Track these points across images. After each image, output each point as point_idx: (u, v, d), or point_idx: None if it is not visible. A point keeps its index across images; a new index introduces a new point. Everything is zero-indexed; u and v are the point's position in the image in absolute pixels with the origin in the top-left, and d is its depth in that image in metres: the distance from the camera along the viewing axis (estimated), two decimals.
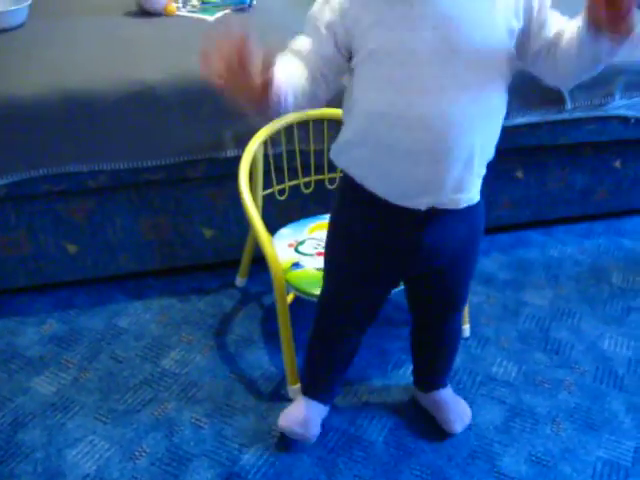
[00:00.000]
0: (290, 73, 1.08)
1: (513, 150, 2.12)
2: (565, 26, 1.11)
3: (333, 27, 1.09)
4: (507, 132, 2.01)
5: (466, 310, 1.81)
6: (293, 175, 1.80)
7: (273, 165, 1.75)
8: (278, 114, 1.09)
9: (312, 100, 1.14)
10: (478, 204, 1.30)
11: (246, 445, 1.53)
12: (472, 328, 1.87)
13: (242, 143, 1.71)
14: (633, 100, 2.11)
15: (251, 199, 1.59)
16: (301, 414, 1.51)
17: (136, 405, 1.62)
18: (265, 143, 1.70)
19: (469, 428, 1.58)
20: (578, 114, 2.08)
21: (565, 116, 2.06)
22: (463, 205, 1.23)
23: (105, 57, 1.81)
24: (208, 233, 1.98)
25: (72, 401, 1.63)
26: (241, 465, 1.48)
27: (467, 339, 1.83)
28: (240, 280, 2.02)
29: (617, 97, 2.09)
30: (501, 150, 2.07)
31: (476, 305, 1.96)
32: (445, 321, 1.47)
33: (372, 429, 1.58)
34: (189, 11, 2.06)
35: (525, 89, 1.98)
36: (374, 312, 1.43)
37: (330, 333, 1.47)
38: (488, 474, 1.48)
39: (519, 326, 1.91)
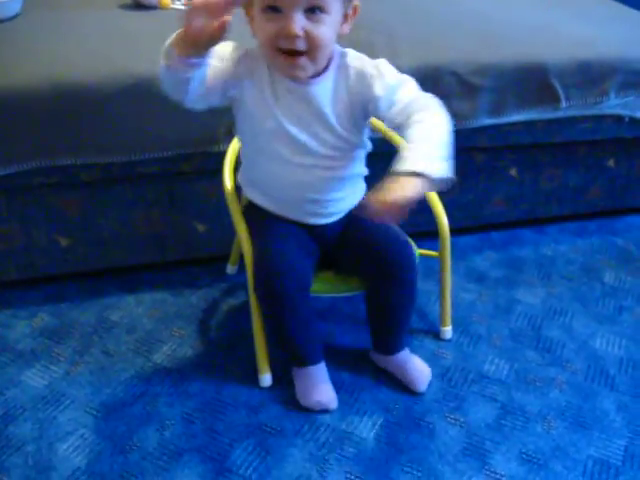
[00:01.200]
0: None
1: (507, 148, 2.12)
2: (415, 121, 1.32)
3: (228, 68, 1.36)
4: (502, 129, 2.05)
5: (448, 312, 1.82)
6: None
7: None
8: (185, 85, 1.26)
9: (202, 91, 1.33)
10: None
11: (237, 440, 1.52)
12: (465, 325, 1.87)
13: (234, 137, 1.71)
14: (627, 99, 2.12)
15: (233, 193, 1.62)
16: (311, 385, 1.60)
17: (128, 399, 1.61)
18: None
19: (461, 425, 1.58)
20: (573, 112, 2.09)
21: (560, 114, 2.07)
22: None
23: (99, 50, 1.80)
24: (201, 227, 1.98)
25: (63, 394, 1.62)
26: (232, 460, 1.48)
27: (458, 337, 1.84)
28: (231, 268, 2.02)
29: (612, 96, 2.09)
30: (495, 148, 2.11)
31: (468, 303, 1.96)
32: (397, 281, 1.53)
33: (363, 425, 1.58)
34: (183, 4, 2.05)
35: (520, 87, 1.99)
36: (307, 259, 1.53)
37: (279, 300, 1.48)
38: (479, 471, 1.48)
39: (511, 324, 1.91)
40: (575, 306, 1.99)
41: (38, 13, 1.95)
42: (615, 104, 2.12)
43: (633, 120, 2.17)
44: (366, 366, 1.74)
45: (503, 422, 1.60)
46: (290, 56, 1.28)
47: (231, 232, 1.91)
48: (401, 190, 1.17)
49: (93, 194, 1.86)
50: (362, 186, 1.59)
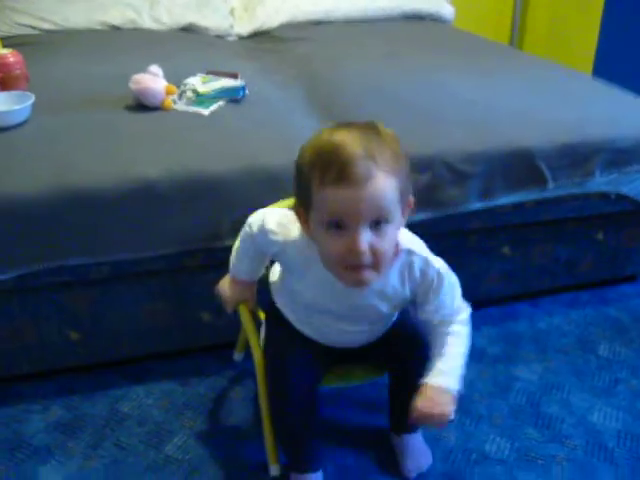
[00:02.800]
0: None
1: (499, 228, 2.20)
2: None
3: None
4: (492, 212, 2.13)
5: None
6: None
7: None
8: None
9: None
10: None
11: None
12: (466, 405, 1.93)
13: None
14: (612, 177, 2.21)
15: None
16: None
17: None
18: None
19: None
20: (560, 192, 2.17)
21: (547, 194, 2.16)
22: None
23: (106, 153, 1.88)
24: (206, 316, 2.04)
25: None
26: None
27: (460, 417, 1.89)
28: (238, 355, 2.07)
29: (597, 175, 2.18)
30: (487, 229, 2.19)
31: (468, 381, 2.01)
32: (415, 370, 1.52)
33: None
34: (185, 104, 2.15)
35: (508, 171, 2.08)
36: (320, 369, 1.59)
37: (285, 400, 1.53)
38: None
39: (510, 401, 1.96)
40: (571, 380, 2.05)
41: (46, 118, 2.04)
42: (600, 182, 2.20)
43: (618, 196, 2.26)
44: (371, 451, 1.79)
45: None
46: (356, 270, 1.28)
47: (236, 320, 1.98)
48: (446, 406, 1.38)
49: (101, 290, 1.92)
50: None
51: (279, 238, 1.44)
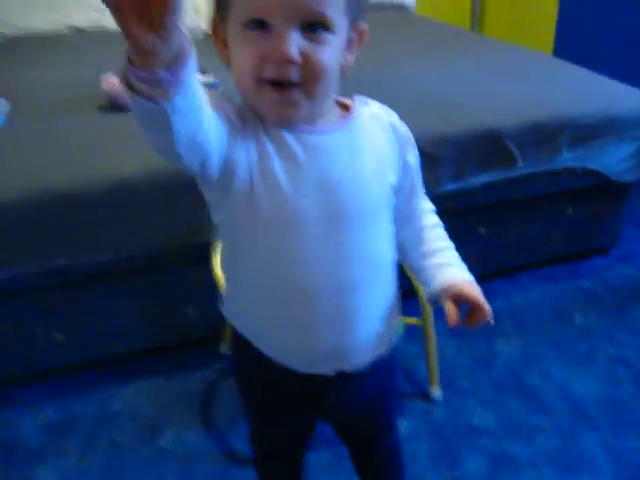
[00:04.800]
0: None
1: (473, 208, 2.25)
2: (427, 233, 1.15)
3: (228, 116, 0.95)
4: (466, 193, 2.18)
5: (435, 372, 1.92)
6: None
7: None
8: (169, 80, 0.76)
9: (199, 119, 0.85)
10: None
11: None
12: (450, 381, 1.98)
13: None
14: (578, 152, 2.28)
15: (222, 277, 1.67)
16: None
17: None
18: None
19: None
20: (529, 170, 2.23)
21: (517, 173, 2.21)
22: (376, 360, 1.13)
23: (82, 154, 1.89)
24: (191, 312, 2.07)
25: None
26: None
27: (446, 394, 1.94)
28: (225, 347, 2.10)
29: (564, 151, 2.24)
30: (462, 209, 2.24)
31: (450, 359, 2.07)
32: (376, 449, 1.38)
33: None
34: None
35: (478, 152, 2.13)
36: (301, 441, 1.34)
37: (266, 468, 1.42)
38: None
39: (493, 376, 2.02)
40: (550, 352, 2.11)
41: (22, 123, 2.05)
42: (567, 158, 2.27)
43: (585, 171, 2.32)
44: None
45: (496, 473, 1.71)
46: (280, 88, 0.92)
47: (219, 312, 2.01)
48: (477, 292, 1.09)
49: (85, 291, 1.94)
50: (397, 310, 1.18)
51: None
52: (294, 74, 0.91)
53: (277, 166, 0.96)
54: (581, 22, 3.65)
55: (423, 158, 2.04)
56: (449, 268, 1.11)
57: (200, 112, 0.84)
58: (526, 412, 1.89)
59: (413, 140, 1.10)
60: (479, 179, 2.16)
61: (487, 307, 1.07)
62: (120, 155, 1.89)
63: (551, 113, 2.21)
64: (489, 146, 2.14)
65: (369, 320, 1.08)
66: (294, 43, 0.89)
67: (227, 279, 1.14)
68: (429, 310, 1.81)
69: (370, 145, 1.04)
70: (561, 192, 2.37)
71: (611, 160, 2.35)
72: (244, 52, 0.92)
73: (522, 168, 2.21)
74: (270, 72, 0.91)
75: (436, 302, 1.11)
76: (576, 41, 3.67)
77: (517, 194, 2.28)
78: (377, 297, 1.09)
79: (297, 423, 1.26)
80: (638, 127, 2.33)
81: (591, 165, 2.32)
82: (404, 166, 1.09)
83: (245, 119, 0.96)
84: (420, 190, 1.15)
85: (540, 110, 2.22)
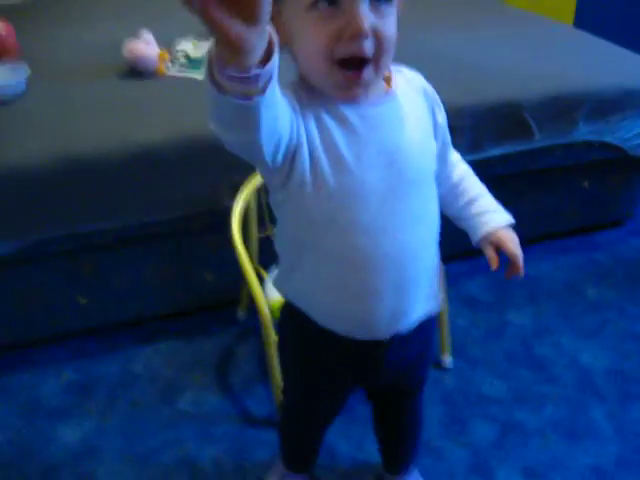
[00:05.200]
0: None
1: (489, 179, 2.25)
2: (462, 181, 1.25)
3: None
4: (482, 164, 2.19)
5: (447, 340, 1.95)
6: None
7: (267, 208, 1.87)
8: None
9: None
10: None
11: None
12: (462, 350, 2.02)
13: (237, 193, 1.83)
14: (595, 126, 2.28)
15: (241, 245, 1.68)
16: None
17: (159, 447, 1.75)
18: (259, 190, 1.81)
19: (467, 446, 1.73)
20: (546, 142, 2.24)
21: (534, 145, 2.23)
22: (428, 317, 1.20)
23: (104, 120, 1.93)
24: (209, 276, 2.11)
25: (97, 448, 1.75)
26: None
27: (457, 362, 1.98)
28: (241, 313, 2.15)
29: (581, 125, 2.25)
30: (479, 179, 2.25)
31: (463, 328, 2.11)
32: (405, 407, 1.46)
33: None
34: (178, 69, 2.19)
35: (496, 124, 2.14)
36: (338, 409, 1.39)
37: (297, 432, 1.49)
38: None
39: (504, 346, 2.06)
40: (562, 323, 2.15)
41: (42, 89, 2.08)
42: (584, 131, 2.28)
43: (602, 144, 2.33)
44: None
45: (505, 440, 1.75)
46: (352, 65, 0.93)
47: (238, 278, 2.06)
48: (515, 243, 1.20)
49: (107, 255, 1.99)
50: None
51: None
52: (368, 49, 0.91)
53: (339, 140, 0.98)
54: None
55: None
56: (488, 215, 1.21)
57: (280, 99, 0.84)
58: (535, 381, 1.93)
59: (439, 99, 1.14)
60: (496, 150, 2.18)
61: (521, 263, 1.18)
62: (141, 121, 1.92)
63: (569, 86, 2.22)
64: (506, 118, 2.15)
65: (424, 281, 1.13)
66: (367, 17, 0.89)
67: (285, 257, 1.15)
68: (442, 279, 1.84)
69: (413, 112, 1.07)
70: (577, 165, 2.38)
71: (628, 134, 2.35)
72: (315, 31, 0.90)
73: (539, 141, 2.22)
74: (345, 50, 0.90)
75: (481, 247, 1.21)
76: (597, 11, 3.64)
77: (533, 166, 2.30)
78: (430, 258, 1.15)
79: (346, 391, 1.32)
80: None
81: (608, 139, 2.32)
82: (436, 127, 1.13)
83: (300, 97, 0.97)
84: (450, 146, 1.21)
85: (558, 83, 2.23)
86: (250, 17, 0.65)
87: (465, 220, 1.24)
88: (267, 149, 0.88)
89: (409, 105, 1.06)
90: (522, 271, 1.19)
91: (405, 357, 1.22)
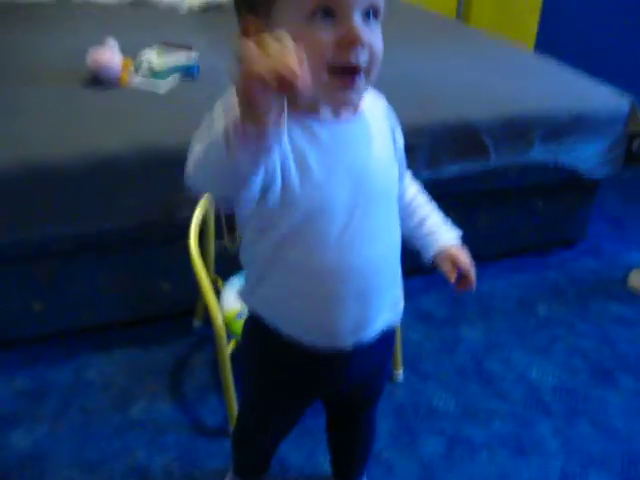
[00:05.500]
0: None
1: (445, 196, 2.30)
2: (415, 202, 1.31)
3: None
4: (439, 181, 2.23)
5: (399, 355, 1.98)
6: None
7: (225, 219, 1.88)
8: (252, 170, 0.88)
9: None
10: None
11: None
12: (414, 364, 2.05)
13: (196, 205, 1.85)
14: (550, 147, 2.34)
15: (198, 256, 1.70)
16: None
17: (110, 454, 1.75)
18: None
19: (415, 458, 1.76)
20: (502, 162, 2.29)
21: (490, 165, 2.28)
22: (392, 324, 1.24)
23: (65, 127, 1.93)
24: (166, 286, 2.12)
25: (48, 453, 1.74)
26: None
27: (409, 375, 2.02)
28: (197, 323, 2.16)
29: (536, 146, 2.31)
30: (434, 197, 2.29)
31: (416, 343, 2.15)
32: (360, 418, 1.47)
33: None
34: (141, 78, 2.20)
35: (453, 143, 2.19)
36: (296, 421, 1.41)
37: (252, 443, 1.48)
38: None
39: (455, 360, 2.09)
40: (512, 339, 2.19)
41: (4, 92, 2.08)
42: (539, 152, 2.33)
43: (557, 166, 2.39)
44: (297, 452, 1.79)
45: (452, 454, 1.78)
46: (347, 73, 0.96)
47: (194, 288, 2.07)
48: (467, 258, 1.25)
49: (63, 262, 1.99)
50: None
51: None
52: (363, 58, 0.95)
53: (310, 155, 1.01)
54: (564, 14, 3.71)
55: None
56: (440, 232, 1.27)
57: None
58: (484, 396, 1.97)
59: (398, 121, 1.18)
60: (453, 168, 2.22)
61: (474, 276, 1.24)
62: (102, 130, 1.93)
63: (525, 109, 2.28)
64: (463, 138, 2.20)
65: (387, 292, 1.17)
66: (362, 29, 0.93)
67: (252, 269, 1.17)
68: None
69: (379, 133, 1.11)
70: (532, 185, 2.45)
71: (582, 156, 2.42)
72: (313, 39, 0.92)
73: (495, 160, 2.27)
74: (342, 57, 0.94)
75: (434, 264, 1.26)
76: (558, 33, 3.73)
77: (489, 185, 2.35)
78: (393, 270, 1.18)
79: (306, 403, 1.34)
80: (609, 125, 2.41)
81: (562, 160, 2.39)
82: (396, 148, 1.17)
83: None
84: (405, 167, 1.24)
85: (515, 105, 2.29)
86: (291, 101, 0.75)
87: (417, 238, 1.28)
88: (253, 195, 0.96)
89: (375, 125, 1.10)
90: (474, 285, 1.24)
91: (366, 368, 1.25)
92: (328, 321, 1.12)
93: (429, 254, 1.26)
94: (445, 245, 1.25)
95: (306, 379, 1.24)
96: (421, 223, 1.28)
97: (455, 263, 1.24)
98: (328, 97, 0.99)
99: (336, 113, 1.03)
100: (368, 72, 0.98)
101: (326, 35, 0.93)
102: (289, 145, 0.99)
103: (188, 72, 2.28)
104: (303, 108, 1.00)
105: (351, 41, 0.93)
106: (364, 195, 1.06)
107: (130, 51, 2.30)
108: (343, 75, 0.96)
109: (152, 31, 2.76)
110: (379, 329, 1.18)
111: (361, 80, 0.97)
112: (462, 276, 1.24)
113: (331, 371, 1.22)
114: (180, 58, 2.30)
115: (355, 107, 1.06)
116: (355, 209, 1.06)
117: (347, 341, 1.15)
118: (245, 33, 0.99)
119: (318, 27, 0.93)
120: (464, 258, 1.25)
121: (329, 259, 1.07)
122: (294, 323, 1.15)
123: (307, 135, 1.01)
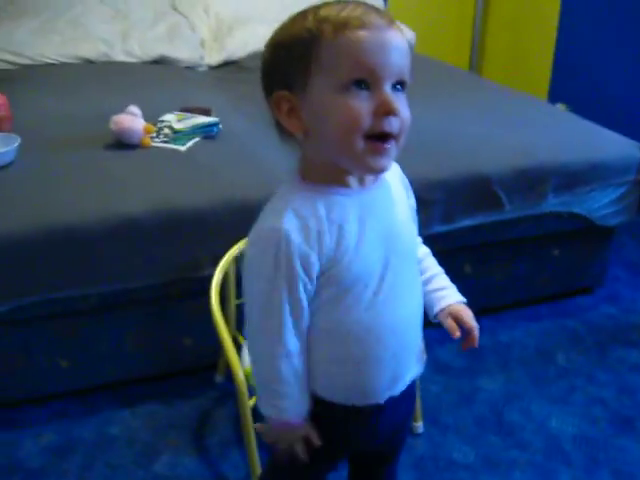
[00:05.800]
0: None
1: (460, 249, 2.35)
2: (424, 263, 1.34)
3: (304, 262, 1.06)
4: (454, 234, 2.28)
5: (419, 407, 2.00)
6: None
7: None
8: None
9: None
10: None
11: None
12: (433, 416, 2.07)
13: (217, 262, 1.90)
14: (563, 198, 2.38)
15: (219, 313, 1.73)
16: None
17: None
18: (238, 259, 1.86)
19: None
20: (516, 214, 2.33)
21: (504, 217, 2.32)
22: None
23: (89, 191, 2.00)
24: (188, 341, 2.16)
25: None
26: None
27: (429, 428, 2.03)
28: (219, 377, 2.20)
29: (550, 196, 2.35)
30: (450, 249, 2.34)
31: (435, 394, 2.16)
32: (382, 473, 1.49)
33: None
34: (162, 141, 2.27)
35: (467, 196, 2.23)
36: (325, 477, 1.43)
37: None
38: None
39: (474, 411, 2.11)
40: (531, 389, 2.20)
41: (30, 159, 2.15)
42: (553, 203, 2.37)
43: (571, 215, 2.42)
44: None
45: None
46: (380, 141, 1.02)
47: (216, 343, 2.11)
48: (470, 316, 1.29)
49: (88, 320, 2.05)
50: None
51: (296, 224, 1.05)
52: (396, 126, 1.02)
53: (346, 230, 1.07)
54: (576, 65, 3.77)
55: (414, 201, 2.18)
56: (445, 291, 1.30)
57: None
58: (504, 447, 1.98)
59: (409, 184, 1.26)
60: (467, 222, 2.27)
61: (477, 334, 1.27)
62: (125, 192, 2.00)
63: (538, 160, 2.32)
64: (477, 191, 2.24)
65: (416, 345, 1.25)
66: (395, 99, 1.01)
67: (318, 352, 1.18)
68: None
69: (398, 195, 1.19)
70: (547, 234, 2.48)
71: (596, 205, 2.45)
72: (349, 109, 0.99)
73: (509, 212, 2.31)
74: (378, 125, 1.00)
75: (438, 320, 1.29)
76: (570, 85, 3.79)
77: (503, 236, 2.39)
78: (420, 324, 1.24)
79: (338, 461, 1.37)
80: (622, 174, 2.44)
81: (576, 210, 2.42)
82: (412, 210, 1.24)
83: (308, 228, 1.05)
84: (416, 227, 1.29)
85: (528, 157, 2.33)
86: None
87: (424, 295, 1.31)
88: None
89: (394, 188, 1.18)
90: (477, 342, 1.27)
91: (395, 421, 1.30)
92: (365, 381, 1.18)
93: (434, 310, 1.29)
94: (450, 302, 1.29)
95: (341, 438, 1.27)
96: (429, 280, 1.31)
97: (459, 320, 1.27)
98: (361, 163, 1.05)
99: (361, 181, 1.10)
100: (398, 139, 1.04)
101: (363, 105, 0.99)
102: (325, 222, 1.05)
103: (208, 130, 2.35)
104: (329, 180, 1.08)
105: (387, 111, 0.99)
106: (394, 257, 1.13)
107: (150, 115, 2.38)
108: (377, 142, 1.02)
109: (172, 91, 2.85)
110: (409, 382, 1.25)
111: (393, 147, 1.04)
112: (466, 333, 1.27)
113: (366, 427, 1.25)
114: (200, 119, 2.38)
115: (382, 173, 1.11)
116: (387, 271, 1.12)
117: (383, 397, 1.20)
118: (278, 108, 1.05)
119: (354, 97, 0.99)
120: (468, 317, 1.28)
121: (364, 321, 1.13)
122: (330, 386, 1.19)
123: (338, 209, 1.07)
